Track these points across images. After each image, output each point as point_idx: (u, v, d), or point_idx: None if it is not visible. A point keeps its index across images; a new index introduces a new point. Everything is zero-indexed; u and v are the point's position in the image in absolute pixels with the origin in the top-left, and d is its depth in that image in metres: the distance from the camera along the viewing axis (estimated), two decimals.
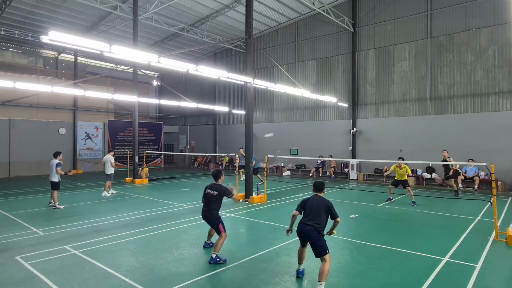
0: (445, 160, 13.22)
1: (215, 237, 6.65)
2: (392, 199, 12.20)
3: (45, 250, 6.67)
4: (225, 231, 6.21)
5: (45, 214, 10.03)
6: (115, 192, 13.87)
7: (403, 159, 12.07)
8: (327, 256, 4.90)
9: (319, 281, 4.77)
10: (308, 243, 5.16)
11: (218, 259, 5.95)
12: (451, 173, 13.61)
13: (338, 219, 5.25)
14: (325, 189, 5.69)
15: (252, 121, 12.94)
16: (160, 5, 17.93)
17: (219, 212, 6.37)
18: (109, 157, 13.69)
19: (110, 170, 13.55)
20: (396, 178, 12.00)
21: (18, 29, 20.85)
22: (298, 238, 5.36)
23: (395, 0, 18.20)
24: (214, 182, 6.51)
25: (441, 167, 15.36)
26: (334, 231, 5.41)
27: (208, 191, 6.37)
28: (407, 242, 7.17)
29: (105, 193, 13.35)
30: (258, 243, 7.16)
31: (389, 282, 5.19)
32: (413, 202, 11.45)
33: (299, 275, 5.38)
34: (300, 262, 5.47)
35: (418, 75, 17.51)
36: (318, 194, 5.52)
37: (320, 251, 4.93)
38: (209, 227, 6.64)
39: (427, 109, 17.24)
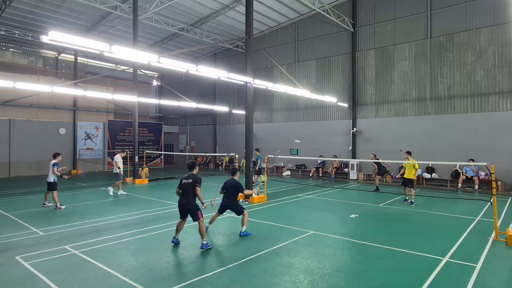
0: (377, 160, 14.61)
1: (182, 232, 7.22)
2: (408, 200, 11.87)
3: (45, 250, 6.67)
4: (202, 217, 6.83)
5: (45, 214, 10.03)
6: (124, 193, 13.69)
7: (410, 153, 11.95)
8: (245, 212, 7.76)
9: (242, 225, 7.67)
10: (227, 210, 7.91)
11: (208, 245, 6.71)
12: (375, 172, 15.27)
13: (245, 191, 8.18)
14: (238, 173, 7.89)
15: (252, 121, 12.94)
16: (160, 5, 17.93)
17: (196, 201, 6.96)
18: (118, 157, 13.64)
19: (117, 170, 13.48)
20: (404, 176, 11.82)
21: (18, 29, 20.85)
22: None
23: (395, 0, 18.20)
24: (189, 172, 7.03)
25: (373, 165, 15.76)
26: (253, 195, 8.67)
27: (184, 181, 6.88)
28: (407, 242, 7.17)
29: (121, 191, 13.40)
30: (258, 243, 7.15)
31: (389, 282, 5.19)
32: (411, 202, 11.41)
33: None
34: (211, 222, 7.95)
35: (418, 75, 17.51)
36: (233, 177, 7.78)
37: (238, 212, 7.76)
38: (176, 223, 7.18)
39: (427, 109, 17.24)
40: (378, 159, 14.94)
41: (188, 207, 6.76)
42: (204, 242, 6.67)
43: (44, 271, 5.56)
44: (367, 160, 17.80)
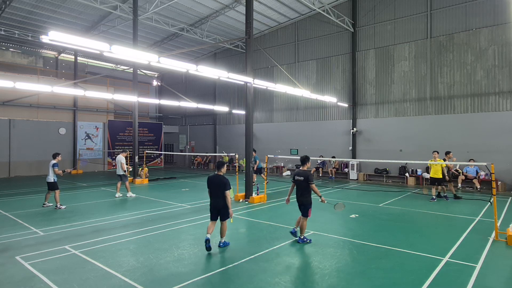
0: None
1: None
2: (446, 196, 12.36)
3: (45, 250, 6.66)
4: (310, 215, 7.20)
5: (45, 214, 10.03)
6: (121, 195, 13.34)
7: (437, 153, 12.35)
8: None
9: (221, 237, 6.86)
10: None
11: (305, 239, 7.08)
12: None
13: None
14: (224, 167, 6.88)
15: (252, 121, 12.94)
16: (160, 5, 17.93)
17: (311, 197, 7.21)
18: (120, 158, 13.34)
19: (121, 171, 13.19)
20: (431, 175, 12.30)
21: (18, 29, 20.85)
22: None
23: (395, 0, 18.20)
24: (301, 168, 7.29)
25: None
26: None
27: (296, 177, 7.22)
28: (407, 242, 7.17)
29: (130, 193, 13.12)
30: (258, 243, 7.15)
31: (389, 282, 5.19)
32: (445, 196, 12.20)
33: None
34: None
35: (418, 75, 17.51)
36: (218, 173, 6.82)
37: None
38: (298, 215, 7.39)
39: (427, 109, 17.24)
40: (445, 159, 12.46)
41: (303, 202, 7.14)
42: (302, 236, 7.09)
43: (44, 271, 5.56)
44: (367, 160, 17.80)
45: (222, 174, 6.77)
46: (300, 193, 7.22)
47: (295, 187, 7.36)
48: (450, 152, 12.58)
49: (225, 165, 6.95)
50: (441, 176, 12.05)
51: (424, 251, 6.53)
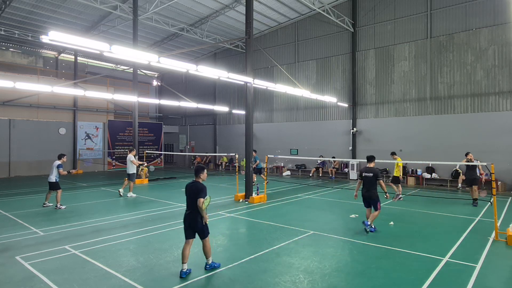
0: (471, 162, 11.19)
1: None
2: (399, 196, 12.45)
3: (45, 250, 6.66)
4: (380, 208, 7.80)
5: (45, 214, 10.03)
6: (134, 195, 13.15)
7: (395, 153, 12.91)
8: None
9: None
10: None
11: (373, 228, 7.78)
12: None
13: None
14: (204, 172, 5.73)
15: (252, 121, 12.94)
16: (160, 5, 17.94)
17: (377, 192, 7.80)
18: (130, 156, 13.34)
19: (132, 170, 13.19)
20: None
21: (18, 29, 20.84)
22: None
23: (395, 0, 18.20)
24: (368, 165, 7.91)
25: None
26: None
27: (364, 174, 7.86)
28: (407, 242, 7.17)
29: (130, 193, 13.06)
30: (258, 243, 7.15)
31: (389, 282, 5.19)
32: (397, 196, 12.29)
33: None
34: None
35: (418, 75, 17.51)
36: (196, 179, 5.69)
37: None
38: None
39: (427, 109, 17.24)
40: (471, 159, 11.32)
41: (372, 197, 7.73)
42: (370, 223, 7.68)
43: (44, 271, 5.56)
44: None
45: (201, 181, 5.62)
46: (366, 189, 7.72)
47: (361, 183, 7.95)
48: (469, 153, 11.47)
49: (205, 170, 5.75)
50: (398, 175, 12.52)
51: (424, 251, 6.53)
